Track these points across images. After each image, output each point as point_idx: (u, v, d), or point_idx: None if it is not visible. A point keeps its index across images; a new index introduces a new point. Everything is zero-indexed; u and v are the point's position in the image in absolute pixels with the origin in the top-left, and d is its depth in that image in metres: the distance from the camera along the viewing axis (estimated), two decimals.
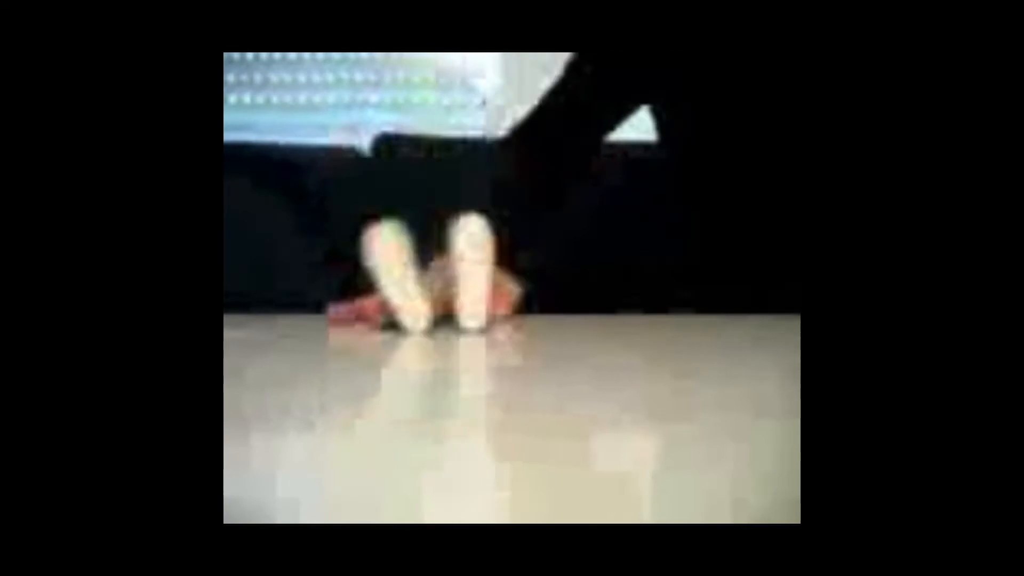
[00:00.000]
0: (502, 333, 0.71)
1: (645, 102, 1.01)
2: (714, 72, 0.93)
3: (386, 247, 0.73)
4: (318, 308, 0.81)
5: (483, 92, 2.04)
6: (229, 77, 2.09)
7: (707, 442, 0.39)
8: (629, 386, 0.53)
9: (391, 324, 0.72)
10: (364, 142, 1.56)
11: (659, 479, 0.35)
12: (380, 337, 0.65)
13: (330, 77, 2.11)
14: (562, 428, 0.42)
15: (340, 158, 1.53)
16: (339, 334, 0.72)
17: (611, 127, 1.01)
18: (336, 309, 0.80)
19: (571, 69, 0.99)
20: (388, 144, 1.53)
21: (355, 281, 0.76)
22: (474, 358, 0.63)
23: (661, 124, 1.01)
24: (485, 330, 0.71)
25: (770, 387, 0.52)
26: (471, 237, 0.74)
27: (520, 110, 1.04)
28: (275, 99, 2.12)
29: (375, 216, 0.75)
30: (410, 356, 0.62)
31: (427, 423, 0.45)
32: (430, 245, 0.79)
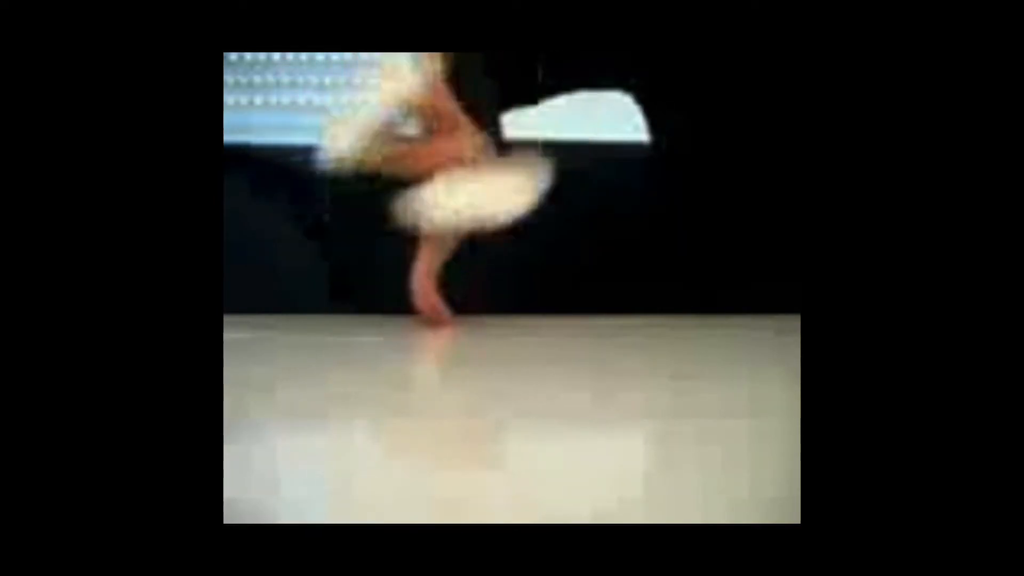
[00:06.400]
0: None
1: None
2: (707, 68, 0.93)
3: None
4: (317, 308, 0.80)
5: None
6: (228, 79, 2.09)
7: (706, 442, 0.39)
8: (627, 387, 0.53)
9: None
10: None
11: (658, 479, 0.35)
12: (381, 335, 0.65)
13: (327, 79, 2.11)
14: (562, 428, 0.42)
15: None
16: (342, 333, 0.72)
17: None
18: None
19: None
20: None
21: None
22: (474, 357, 0.63)
23: (653, 122, 1.01)
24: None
25: (770, 387, 0.52)
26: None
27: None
28: (273, 100, 2.12)
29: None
30: (411, 354, 0.62)
31: (427, 423, 0.45)
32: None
